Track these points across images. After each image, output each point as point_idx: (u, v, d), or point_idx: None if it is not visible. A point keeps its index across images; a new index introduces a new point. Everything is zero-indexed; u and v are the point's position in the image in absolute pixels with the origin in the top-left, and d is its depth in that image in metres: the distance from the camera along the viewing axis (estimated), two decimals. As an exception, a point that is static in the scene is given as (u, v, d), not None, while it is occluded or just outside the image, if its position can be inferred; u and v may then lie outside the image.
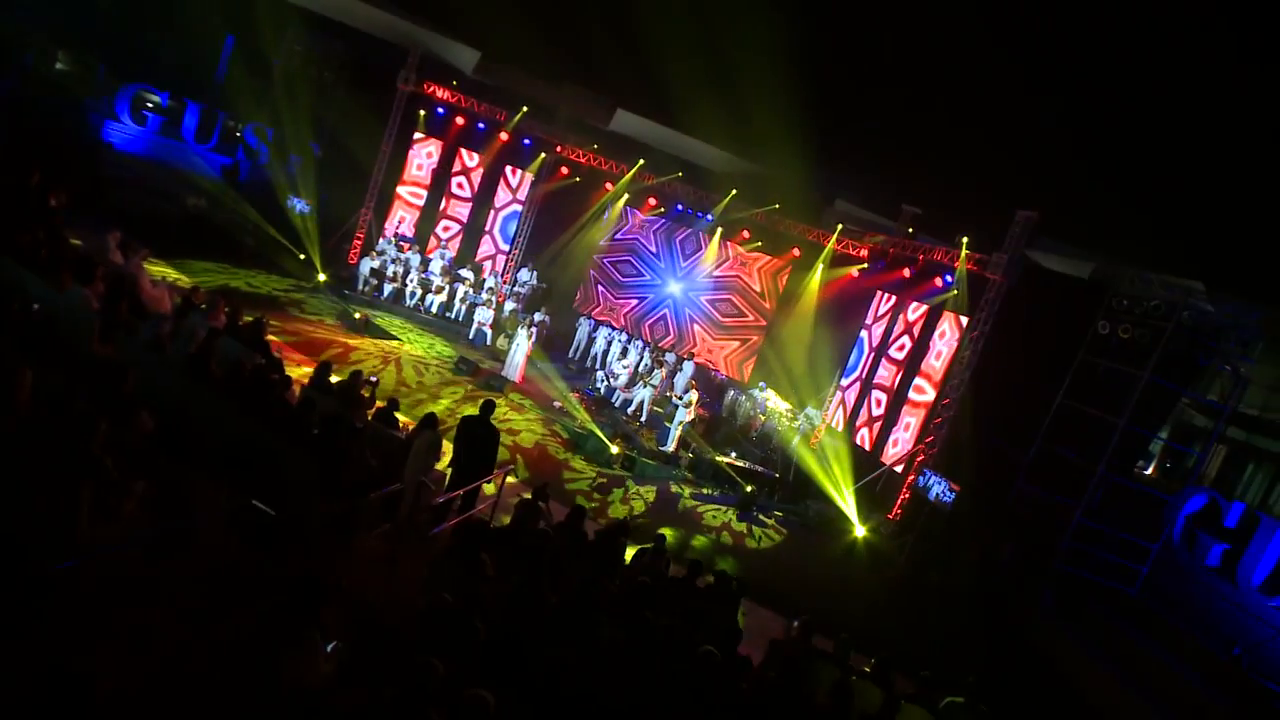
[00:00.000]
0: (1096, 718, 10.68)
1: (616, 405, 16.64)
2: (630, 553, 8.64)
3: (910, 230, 17.52)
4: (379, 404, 9.40)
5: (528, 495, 9.18)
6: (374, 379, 9.39)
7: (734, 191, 19.76)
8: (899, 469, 15.22)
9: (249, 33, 20.12)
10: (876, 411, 16.69)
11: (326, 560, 5.69)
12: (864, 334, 18.20)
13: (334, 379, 9.24)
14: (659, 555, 7.62)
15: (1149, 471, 20.17)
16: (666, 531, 11.44)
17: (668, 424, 15.11)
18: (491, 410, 8.21)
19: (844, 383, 18.26)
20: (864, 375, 17.57)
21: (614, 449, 13.67)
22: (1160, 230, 14.24)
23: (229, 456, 5.87)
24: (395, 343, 15.93)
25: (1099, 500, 13.26)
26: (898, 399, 16.18)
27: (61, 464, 3.91)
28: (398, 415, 9.52)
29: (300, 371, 11.91)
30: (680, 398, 14.87)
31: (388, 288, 18.50)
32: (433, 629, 4.50)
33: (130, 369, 5.88)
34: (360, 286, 18.15)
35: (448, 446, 8.80)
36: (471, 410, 13.90)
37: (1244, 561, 13.25)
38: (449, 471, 8.35)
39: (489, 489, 8.72)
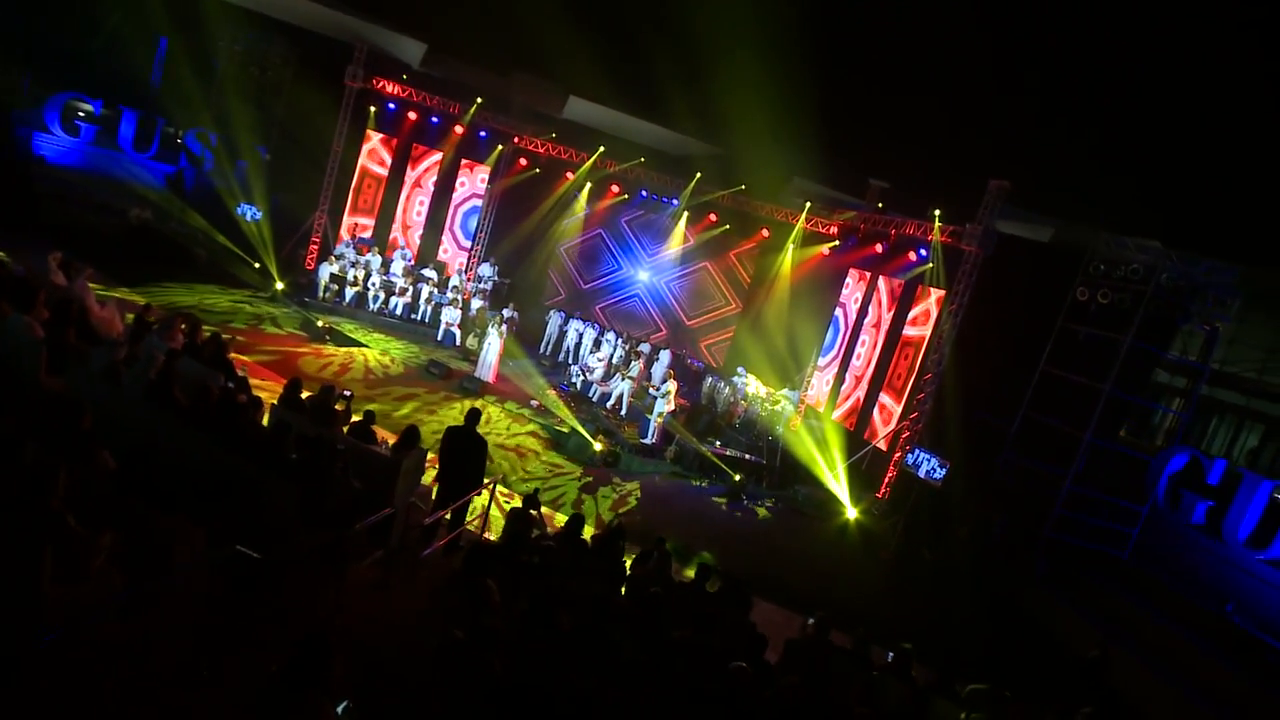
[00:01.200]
0: (1090, 675, 10.66)
1: (594, 400, 16.28)
2: (629, 556, 8.33)
3: (880, 205, 17.35)
4: (355, 417, 8.92)
5: (517, 503, 8.85)
6: (348, 392, 8.89)
7: (699, 174, 19.42)
8: (884, 447, 15.12)
9: (183, 34, 19.18)
10: (856, 390, 16.56)
11: (320, 597, 5.27)
12: (839, 313, 18.06)
13: (305, 394, 8.75)
14: (664, 559, 7.31)
15: (1120, 433, 20.40)
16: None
17: (648, 416, 14.80)
18: (477, 419, 7.80)
19: (821, 363, 18.11)
20: (841, 354, 17.44)
21: (597, 446, 13.32)
22: (1118, 190, 14.25)
23: (202, 492, 5.40)
24: (363, 350, 15.35)
25: (1083, 466, 13.29)
26: (878, 376, 16.07)
27: (16, 527, 3.45)
28: (374, 428, 9.08)
29: (268, 389, 11.36)
30: (658, 388, 14.54)
31: (349, 292, 17.86)
32: (445, 670, 4.13)
33: (85, 403, 5.37)
34: (321, 293, 17.48)
35: (432, 456, 8.40)
36: (449, 415, 13.78)
37: (1229, 517, 13.36)
38: (435, 486, 7.93)
39: (479, 501, 8.32)
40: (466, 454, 7.66)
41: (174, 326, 9.19)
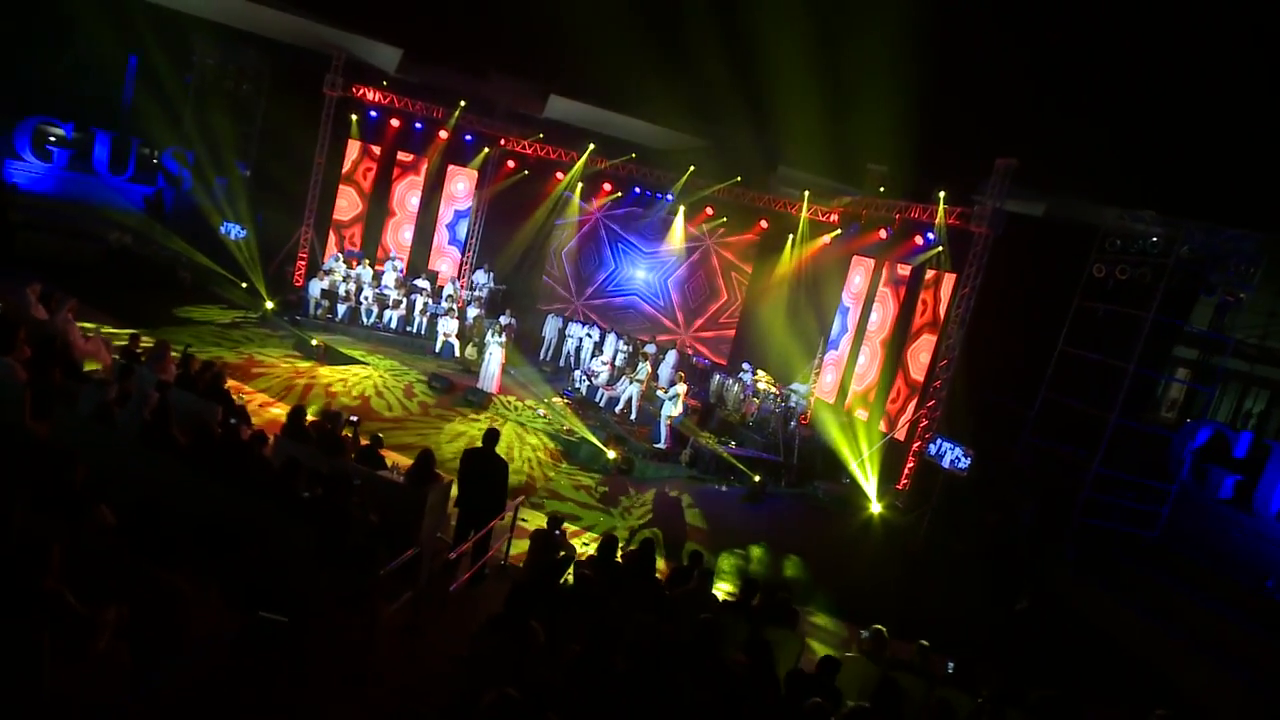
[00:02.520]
0: (1144, 668, 10.33)
1: (602, 405, 15.82)
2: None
3: (881, 190, 16.95)
4: (363, 441, 8.45)
5: (541, 524, 8.39)
6: (354, 418, 8.41)
7: (692, 168, 18.97)
8: (900, 437, 14.75)
9: (153, 51, 18.55)
10: (868, 380, 16.18)
11: (349, 651, 4.82)
12: (845, 302, 17.67)
13: (310, 417, 8.27)
14: (704, 578, 6.88)
15: (1146, 411, 20.14)
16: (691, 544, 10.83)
17: (660, 419, 14.38)
18: (496, 440, 7.34)
19: (830, 354, 17.73)
20: (850, 344, 17.05)
21: (610, 454, 12.89)
22: (1127, 163, 13.87)
23: (211, 542, 4.94)
24: (361, 367, 14.84)
25: (1105, 446, 12.98)
26: (889, 365, 15.69)
27: (7, 614, 2.98)
28: (381, 451, 8.62)
29: (267, 416, 10.86)
30: (667, 390, 14.10)
31: (341, 308, 17.31)
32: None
33: (77, 454, 4.90)
34: (312, 310, 16.93)
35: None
36: (455, 430, 13.28)
37: (1259, 490, 13.11)
38: (454, 511, 7.47)
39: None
40: (487, 478, 7.21)
41: (165, 356, 8.69)
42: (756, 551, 10.92)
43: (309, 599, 5.10)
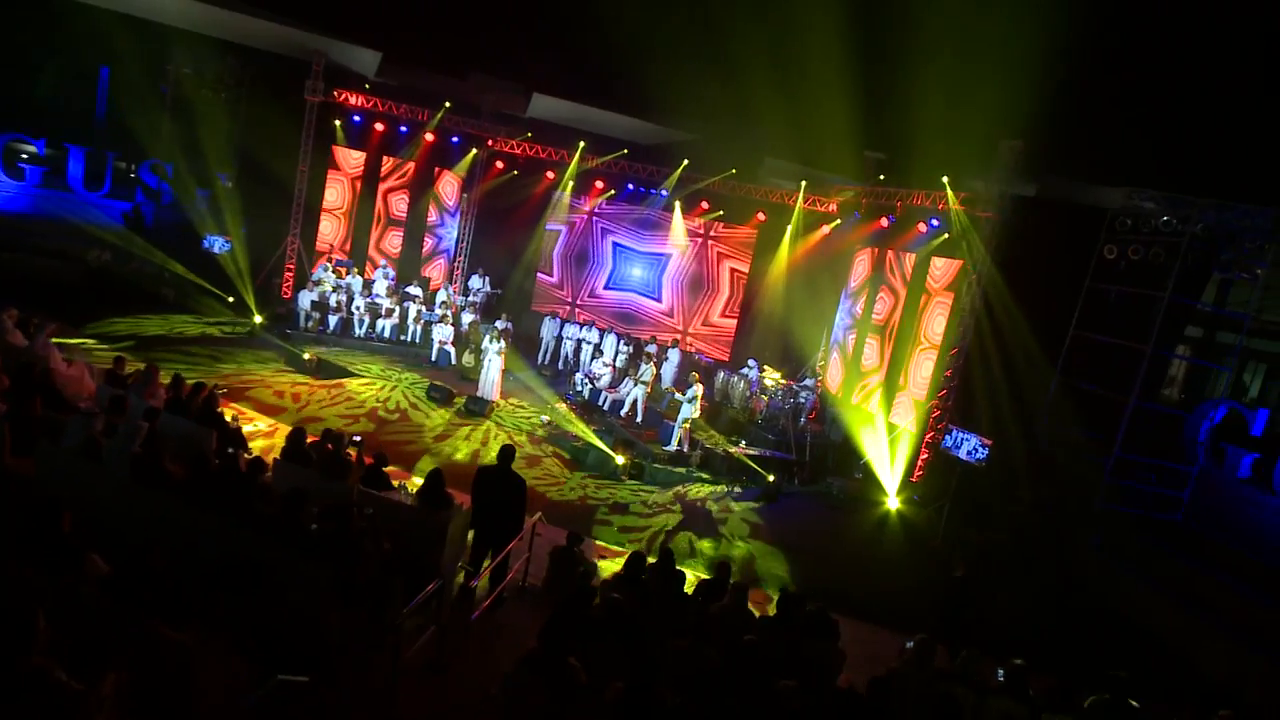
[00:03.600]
0: (1179, 656, 10.06)
1: (605, 408, 15.43)
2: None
3: (880, 177, 16.61)
4: (367, 460, 8.03)
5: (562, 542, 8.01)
6: (357, 437, 7.99)
7: (685, 162, 18.58)
8: (913, 428, 14.44)
9: (124, 62, 17.98)
10: (875, 372, 15.86)
11: (377, 698, 4.42)
12: (848, 293, 17.35)
13: (310, 438, 7.85)
14: (739, 593, 6.49)
15: (1162, 393, 19.93)
16: (705, 545, 10.47)
17: (669, 421, 14.01)
18: (511, 457, 6.94)
19: (835, 347, 17.41)
20: (855, 335, 16.73)
21: (619, 459, 12.50)
22: (1133, 142, 13.58)
23: (215, 588, 4.53)
24: (357, 380, 14.39)
25: (1123, 430, 12.71)
26: (898, 355, 15.37)
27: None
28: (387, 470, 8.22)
29: (263, 436, 10.42)
30: (684, 393, 13.71)
31: (332, 319, 16.84)
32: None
33: (63, 493, 4.48)
34: (303, 323, 16.44)
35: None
36: (458, 441, 12.84)
37: (1278, 469, 12.83)
38: (470, 533, 7.08)
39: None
40: (503, 497, 6.81)
41: (154, 380, 8.25)
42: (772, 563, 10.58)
43: (326, 643, 4.71)
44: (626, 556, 6.78)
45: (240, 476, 5.83)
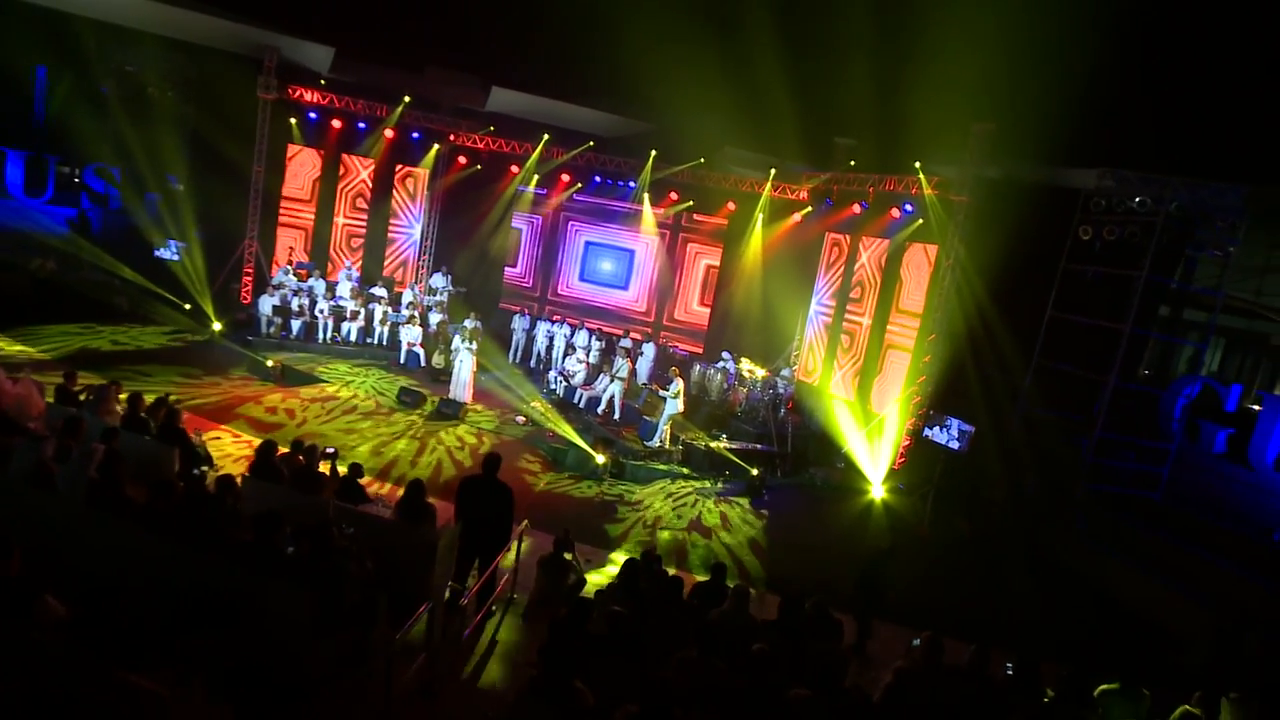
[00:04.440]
0: (1165, 632, 10.10)
1: (581, 406, 15.13)
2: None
3: (851, 164, 16.48)
4: (341, 471, 7.65)
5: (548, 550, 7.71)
6: (330, 449, 7.58)
7: (655, 152, 18.29)
8: (893, 416, 14.35)
9: (62, 61, 17.17)
10: (853, 359, 15.76)
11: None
12: (821, 281, 17.23)
13: (281, 450, 7.43)
14: (741, 598, 6.25)
15: (1141, 372, 20.12)
16: (697, 540, 10.24)
17: (647, 418, 13.76)
18: (497, 466, 6.61)
19: (810, 335, 17.29)
20: (830, 324, 16.62)
21: (600, 458, 12.21)
22: (1067, 118, 13.56)
23: (187, 625, 4.16)
24: (325, 386, 13.90)
25: (1098, 409, 12.76)
26: (874, 342, 15.28)
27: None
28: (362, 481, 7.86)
29: (225, 448, 9.93)
30: (666, 388, 13.43)
31: (295, 324, 16.26)
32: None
33: (10, 529, 4.07)
34: (264, 329, 15.84)
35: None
36: (436, 446, 12.38)
37: (1254, 443, 13.00)
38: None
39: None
40: (489, 508, 6.49)
41: (109, 396, 7.76)
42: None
43: (311, 675, 4.37)
44: (621, 564, 6.51)
45: (208, 498, 5.43)
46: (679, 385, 13.07)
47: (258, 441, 7.93)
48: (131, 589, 4.15)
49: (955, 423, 12.25)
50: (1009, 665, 6.27)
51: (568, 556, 7.53)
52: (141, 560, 4.48)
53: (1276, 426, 12.79)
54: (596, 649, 4.97)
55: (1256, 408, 13.87)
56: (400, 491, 9.31)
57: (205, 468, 7.15)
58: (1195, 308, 16.18)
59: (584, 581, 7.63)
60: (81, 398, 8.25)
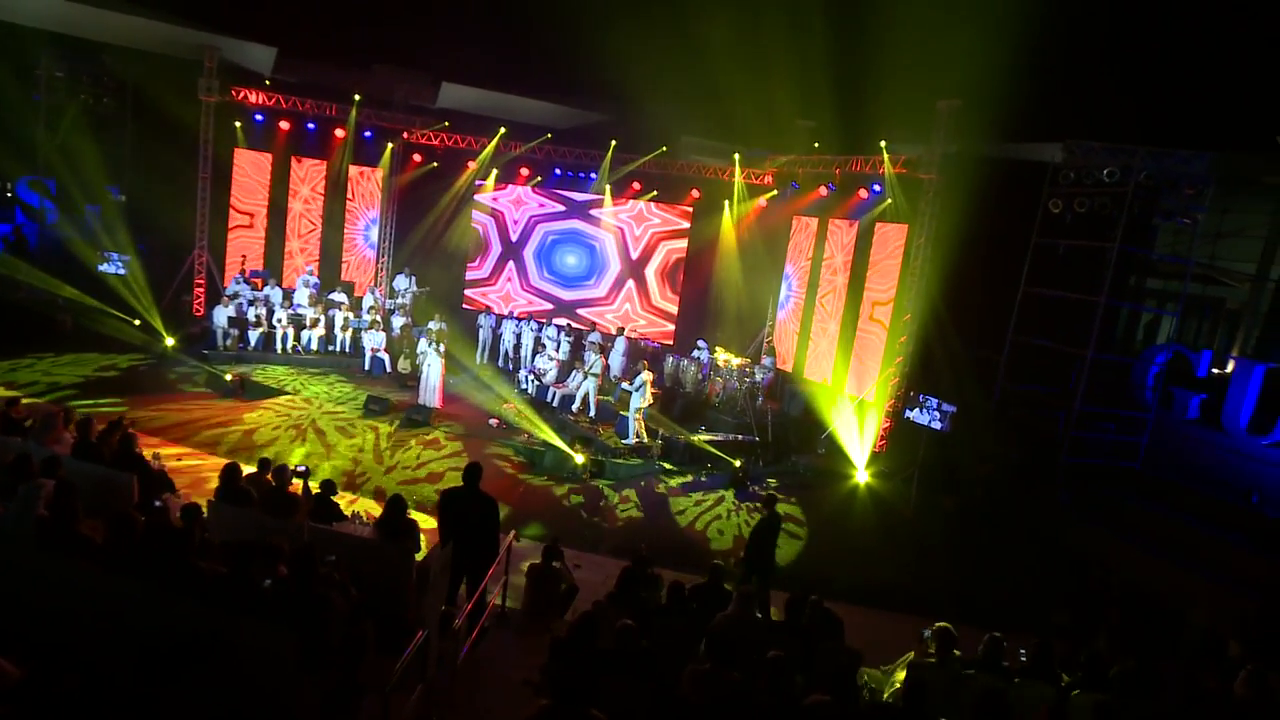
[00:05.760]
0: (1156, 600, 10.12)
1: (555, 405, 14.76)
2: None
3: (815, 145, 16.33)
4: (313, 488, 7.23)
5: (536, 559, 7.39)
6: (302, 468, 7.14)
7: (615, 142, 17.96)
8: (870, 398, 14.26)
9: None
10: (826, 343, 15.64)
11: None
12: (790, 266, 17.06)
13: (247, 470, 6.98)
14: (746, 601, 5.99)
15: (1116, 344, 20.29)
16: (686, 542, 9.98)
17: (624, 413, 13.45)
18: (478, 477, 6.24)
19: (782, 321, 17.13)
20: (802, 309, 16.47)
21: (578, 458, 11.89)
22: (1033, 92, 13.54)
23: (158, 676, 3.76)
24: (286, 398, 13.35)
25: (1075, 382, 12.80)
26: (848, 324, 15.16)
27: None
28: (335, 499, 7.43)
29: (186, 472, 9.41)
30: (631, 381, 13.14)
31: (253, 335, 15.61)
32: None
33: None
34: (220, 341, 15.17)
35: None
36: (406, 458, 11.92)
37: (1226, 408, 13.13)
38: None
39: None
40: (474, 522, 6.14)
41: (57, 424, 7.22)
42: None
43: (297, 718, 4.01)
44: (620, 573, 6.22)
45: (173, 531, 5.00)
46: (645, 377, 12.75)
47: (222, 462, 7.45)
48: (93, 639, 3.74)
49: (936, 401, 12.16)
50: (1022, 651, 6.12)
51: (556, 565, 7.22)
52: (102, 605, 4.06)
53: (1248, 390, 12.95)
54: (605, 667, 4.68)
55: (1218, 371, 14.06)
56: (375, 505, 8.99)
57: (168, 494, 6.68)
58: (1156, 276, 16.37)
59: (575, 589, 7.33)
60: (26, 424, 7.69)
